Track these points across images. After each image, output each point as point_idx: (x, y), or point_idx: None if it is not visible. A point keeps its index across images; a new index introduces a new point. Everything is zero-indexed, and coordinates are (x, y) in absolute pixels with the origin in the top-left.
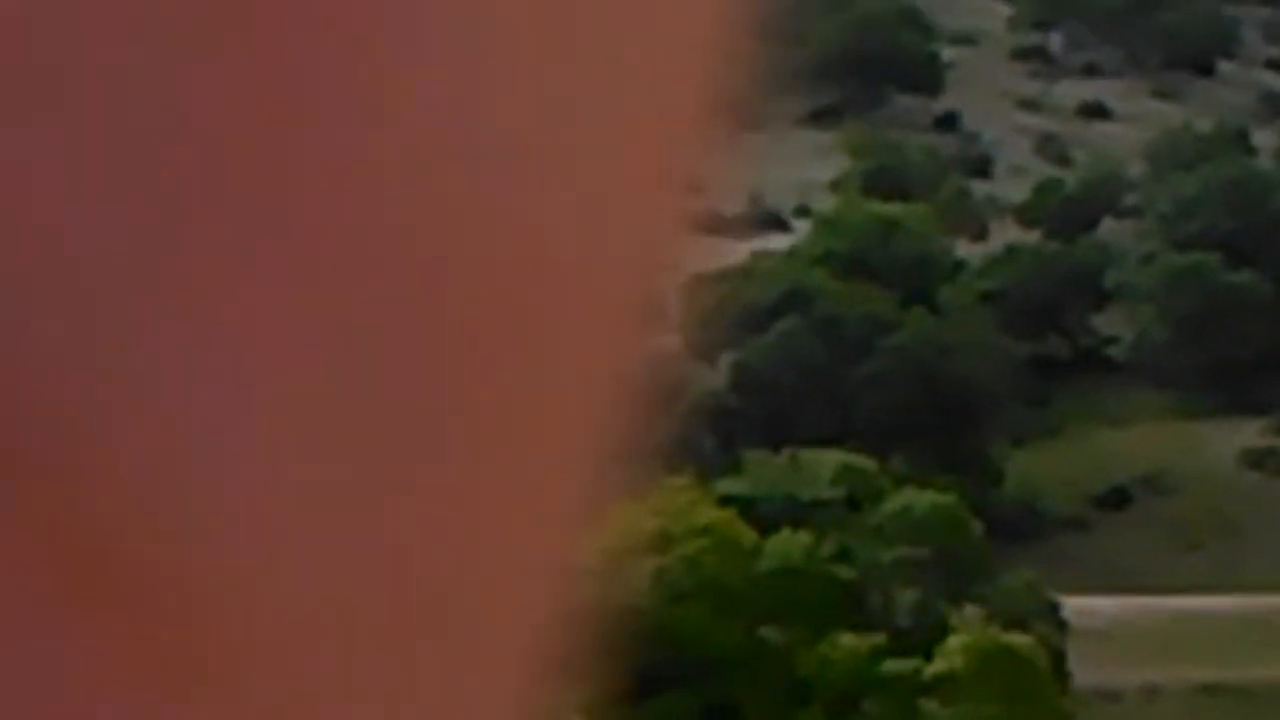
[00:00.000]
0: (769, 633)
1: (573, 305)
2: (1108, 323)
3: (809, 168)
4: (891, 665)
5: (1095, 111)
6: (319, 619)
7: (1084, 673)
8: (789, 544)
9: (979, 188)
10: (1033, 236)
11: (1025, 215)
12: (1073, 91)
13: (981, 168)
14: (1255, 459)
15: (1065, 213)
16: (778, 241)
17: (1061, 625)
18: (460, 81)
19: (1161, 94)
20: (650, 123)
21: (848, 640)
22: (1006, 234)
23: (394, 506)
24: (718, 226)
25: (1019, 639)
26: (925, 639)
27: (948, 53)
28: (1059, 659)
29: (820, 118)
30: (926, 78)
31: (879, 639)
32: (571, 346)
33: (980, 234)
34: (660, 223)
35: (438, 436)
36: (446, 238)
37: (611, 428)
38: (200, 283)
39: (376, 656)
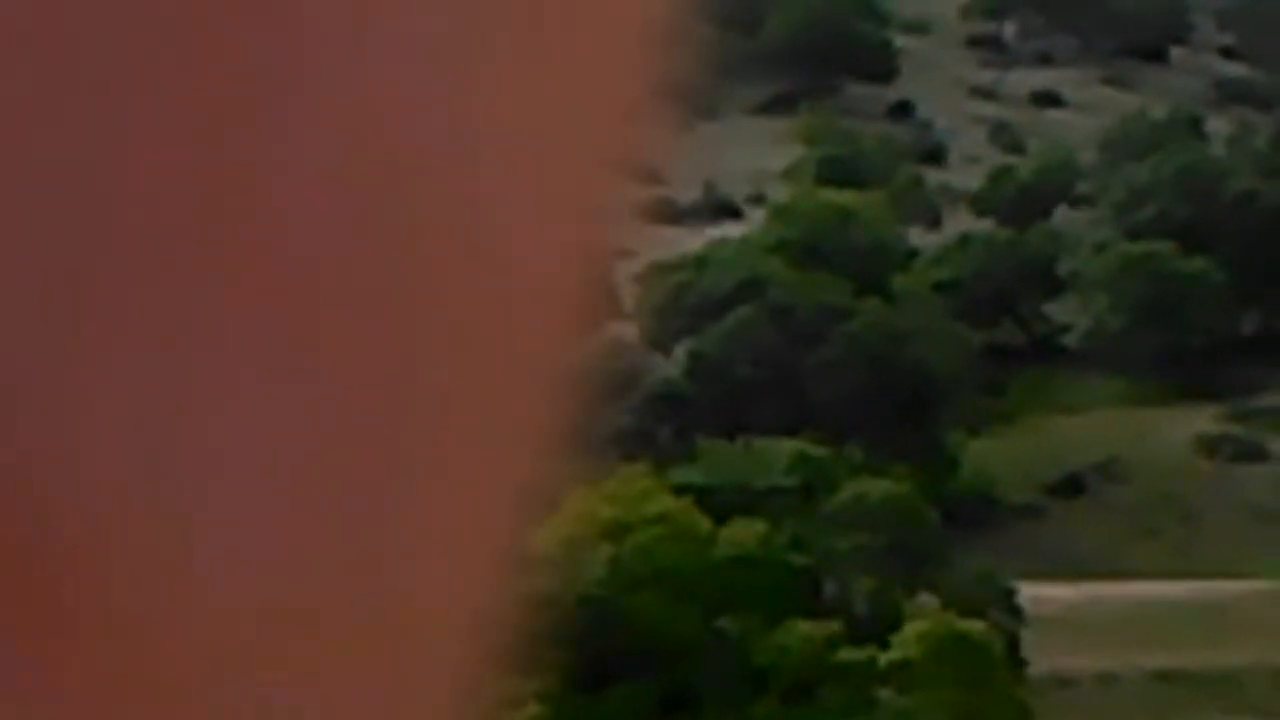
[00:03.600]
0: (724, 621)
1: (522, 295)
2: (1061, 310)
3: (763, 156)
4: (847, 653)
5: (1048, 99)
6: (267, 618)
7: (1040, 660)
8: (744, 532)
9: (933, 176)
10: (986, 225)
11: (979, 203)
12: (1026, 79)
13: (935, 156)
14: (1209, 445)
15: (1019, 201)
16: (732, 230)
17: (1017, 612)
18: (409, 79)
19: (1114, 81)
20: (598, 112)
21: (803, 628)
22: (960, 222)
23: (345, 500)
24: (672, 215)
25: (974, 626)
26: (881, 627)
27: (901, 41)
28: (1014, 646)
29: (774, 106)
30: (880, 66)
31: (834, 627)
32: (522, 336)
33: (934, 222)
34: (609, 212)
35: (388, 428)
36: (397, 232)
37: (563, 417)
38: (158, 284)
39: (327, 651)
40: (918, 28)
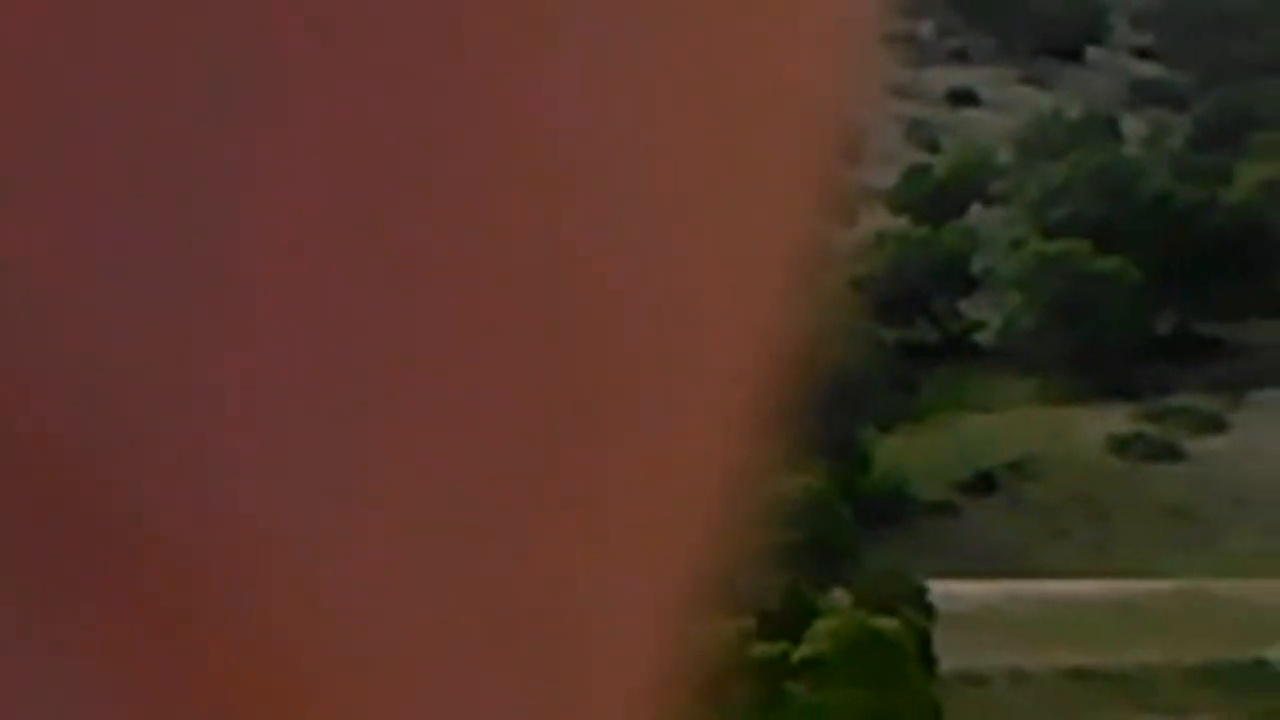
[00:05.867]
0: None
1: (711, 340)
2: (975, 308)
3: None
4: (759, 649)
5: (964, 98)
6: (425, 628)
7: (951, 657)
8: None
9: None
10: (901, 222)
11: (894, 201)
12: (942, 78)
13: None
14: (1121, 445)
15: (934, 199)
16: None
17: (928, 610)
18: (603, 95)
19: (1030, 81)
20: (799, 140)
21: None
22: (875, 220)
23: (517, 532)
24: None
25: (886, 623)
26: (793, 623)
27: None
28: (926, 643)
29: None
30: None
31: (747, 622)
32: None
33: (849, 220)
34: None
35: (567, 456)
36: (581, 258)
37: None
38: (329, 286)
39: (492, 687)
40: None
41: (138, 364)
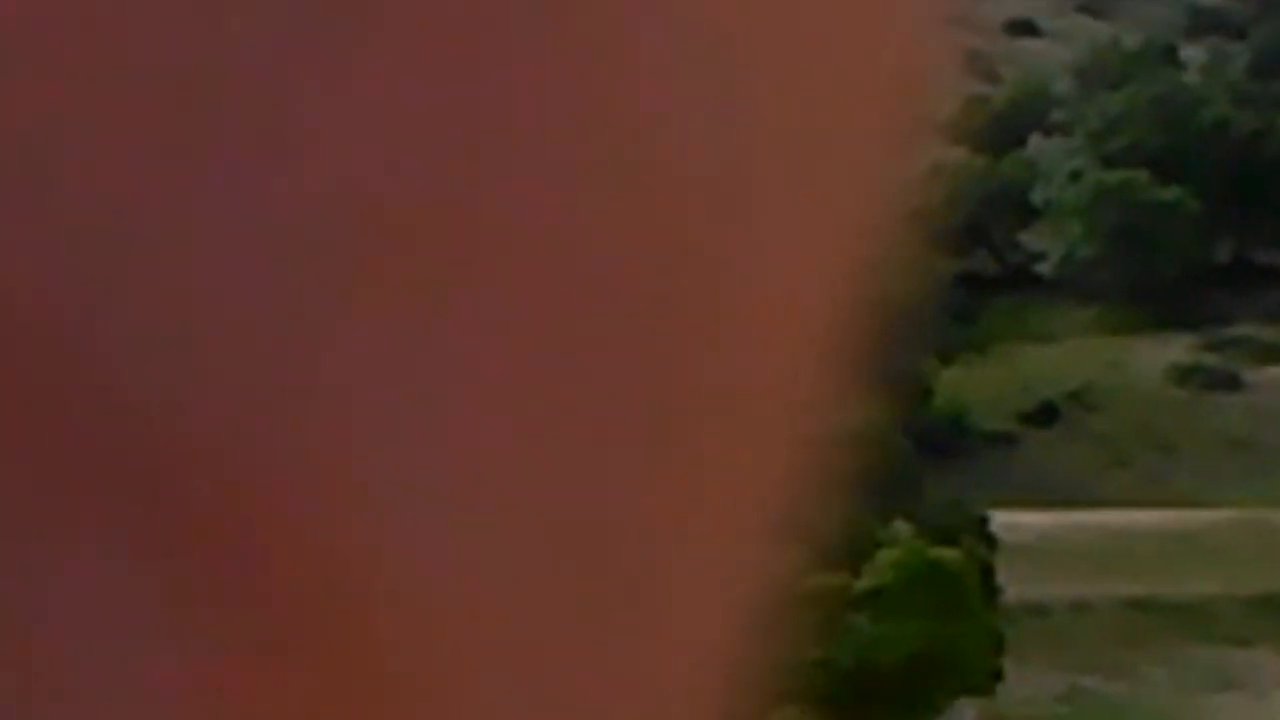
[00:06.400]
0: None
1: (778, 322)
2: (1035, 239)
3: None
4: (821, 580)
5: (1023, 28)
6: (501, 633)
7: (1013, 587)
8: None
9: None
10: (960, 153)
11: (952, 132)
12: (1000, 7)
13: None
14: (1182, 375)
15: (993, 129)
16: None
17: (990, 540)
18: (673, 79)
19: (1089, 10)
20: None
21: None
22: (934, 151)
23: (587, 517)
24: None
25: (948, 554)
26: (854, 554)
27: None
28: (988, 574)
29: None
30: None
31: (809, 554)
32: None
33: (919, 155)
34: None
35: (635, 436)
36: (649, 238)
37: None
38: (397, 293)
39: (559, 668)
40: None
41: (270, 367)
